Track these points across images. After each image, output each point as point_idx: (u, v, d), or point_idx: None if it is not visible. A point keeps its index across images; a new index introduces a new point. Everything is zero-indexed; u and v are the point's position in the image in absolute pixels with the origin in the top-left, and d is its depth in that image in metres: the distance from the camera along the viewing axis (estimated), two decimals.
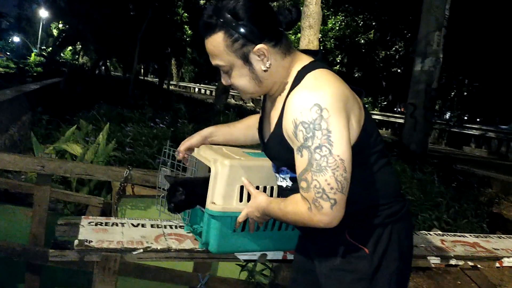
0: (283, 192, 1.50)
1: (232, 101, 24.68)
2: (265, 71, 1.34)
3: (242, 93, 1.42)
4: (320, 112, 1.22)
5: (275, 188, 1.74)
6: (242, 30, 1.28)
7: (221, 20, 1.29)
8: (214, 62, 1.36)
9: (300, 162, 1.26)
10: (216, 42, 1.31)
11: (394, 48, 20.11)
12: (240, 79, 1.36)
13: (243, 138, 1.85)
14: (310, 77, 1.31)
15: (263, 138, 1.52)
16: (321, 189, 1.22)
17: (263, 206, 1.47)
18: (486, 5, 13.93)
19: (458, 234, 2.55)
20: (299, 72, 1.35)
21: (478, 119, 21.41)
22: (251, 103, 25.82)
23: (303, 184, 1.26)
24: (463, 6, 12.10)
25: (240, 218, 1.58)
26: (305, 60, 1.38)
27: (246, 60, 1.32)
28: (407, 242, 1.45)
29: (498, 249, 2.30)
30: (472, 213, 4.89)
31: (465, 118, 20.63)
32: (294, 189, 1.39)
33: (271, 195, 1.70)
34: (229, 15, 1.28)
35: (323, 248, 1.45)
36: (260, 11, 1.32)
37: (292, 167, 1.34)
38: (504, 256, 2.23)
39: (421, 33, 8.19)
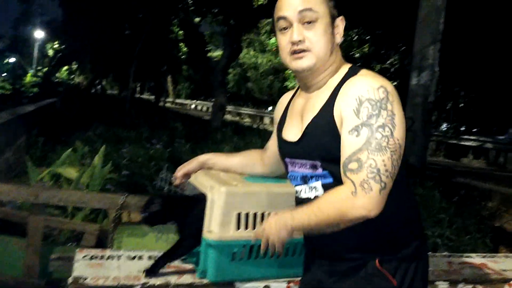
0: None
1: (229, 117, 24.70)
2: (338, 43, 1.36)
3: (311, 53, 1.32)
4: (386, 94, 1.22)
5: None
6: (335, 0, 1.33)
7: None
8: (307, 5, 1.29)
9: (354, 141, 1.20)
10: None
11: (389, 62, 20.21)
12: (323, 35, 1.31)
13: (240, 170, 1.81)
14: (366, 71, 1.32)
15: (285, 136, 1.45)
16: (376, 169, 1.17)
17: (285, 216, 1.30)
18: (480, 18, 14.05)
19: (465, 255, 2.49)
20: (350, 68, 1.36)
21: (474, 130, 21.44)
22: (248, 119, 25.84)
23: (352, 166, 1.20)
24: (458, 19, 12.20)
25: (254, 238, 1.44)
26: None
27: (333, 20, 1.33)
28: (427, 281, 1.41)
29: (507, 270, 2.24)
30: (475, 228, 4.83)
31: (462, 129, 20.68)
32: None
33: None
34: None
35: (349, 274, 1.35)
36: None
37: (329, 158, 1.28)
38: None
39: (416, 47, 8.21)
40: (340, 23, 1.35)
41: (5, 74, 46.12)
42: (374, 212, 1.18)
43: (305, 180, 1.38)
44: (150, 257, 1.87)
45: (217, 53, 30.82)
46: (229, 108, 25.21)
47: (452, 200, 5.64)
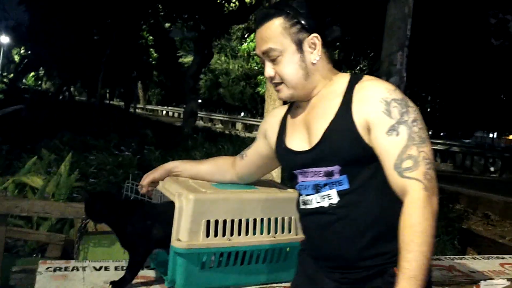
0: (321, 216, 1.34)
1: (201, 123, 24.59)
2: (313, 64, 1.36)
3: (285, 85, 1.37)
4: (402, 94, 1.28)
5: (248, 220, 1.66)
6: (300, 18, 1.34)
7: (283, 8, 1.35)
8: (266, 46, 1.35)
9: (397, 141, 1.22)
10: (274, 26, 1.34)
11: (358, 67, 20.52)
12: (289, 66, 1.35)
13: (209, 177, 1.79)
14: (371, 77, 1.35)
15: (292, 147, 1.42)
16: (429, 159, 1.22)
17: (420, 278, 1.12)
18: (445, 25, 14.43)
19: (434, 257, 2.52)
20: (352, 74, 1.38)
21: (441, 134, 21.97)
22: (220, 125, 25.78)
23: (408, 163, 1.20)
24: (424, 26, 12.50)
25: None
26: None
27: (299, 46, 1.34)
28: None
29: (475, 272, 2.28)
30: (443, 230, 4.92)
31: (430, 133, 21.15)
32: (342, 206, 1.30)
33: (244, 228, 1.65)
34: (289, 6, 1.35)
35: (365, 283, 1.32)
36: (317, 10, 1.38)
37: (349, 162, 1.28)
38: (481, 279, 2.20)
39: (385, 53, 8.35)
40: (314, 40, 1.35)
41: None
42: (438, 192, 1.22)
43: (317, 189, 1.34)
44: (116, 268, 1.82)
45: (188, 59, 30.65)
46: (201, 114, 25.13)
47: None
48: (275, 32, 1.33)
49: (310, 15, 1.35)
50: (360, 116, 1.26)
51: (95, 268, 1.79)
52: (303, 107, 1.43)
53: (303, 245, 1.50)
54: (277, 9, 1.36)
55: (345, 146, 1.27)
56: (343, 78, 1.37)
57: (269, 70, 1.37)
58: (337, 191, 1.30)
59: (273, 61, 1.36)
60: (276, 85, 1.39)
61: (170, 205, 1.64)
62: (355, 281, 1.33)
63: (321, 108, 1.35)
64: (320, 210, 1.33)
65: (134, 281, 1.67)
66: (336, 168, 1.29)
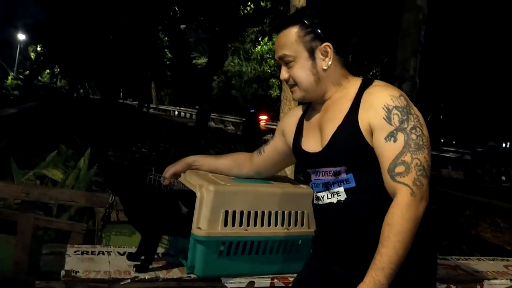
0: (331, 211, 1.45)
1: (213, 124, 24.70)
2: (324, 70, 1.47)
3: (298, 87, 1.50)
4: (406, 101, 1.37)
5: (263, 212, 1.77)
6: (315, 27, 1.45)
7: (299, 18, 1.47)
8: (281, 52, 1.48)
9: (393, 147, 1.32)
10: (290, 33, 1.46)
11: (371, 73, 20.51)
12: (301, 71, 1.48)
13: (227, 171, 1.90)
14: (380, 82, 1.46)
15: (307, 148, 1.53)
16: (422, 166, 1.31)
17: (387, 272, 1.27)
18: (460, 32, 14.39)
19: (440, 257, 2.60)
20: (363, 80, 1.48)
21: (454, 142, 21.85)
22: (232, 126, 25.87)
23: (400, 169, 1.31)
24: (438, 32, 12.49)
25: None
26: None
27: (311, 53, 1.46)
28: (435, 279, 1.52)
29: (479, 272, 2.35)
30: (452, 235, 4.96)
31: (442, 141, 21.04)
32: (349, 203, 1.41)
33: (260, 219, 1.76)
34: (306, 16, 1.47)
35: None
36: (332, 19, 1.50)
37: (354, 163, 1.39)
38: (484, 279, 2.28)
39: (398, 58, 8.40)
40: (326, 49, 1.45)
41: None
42: (428, 201, 1.32)
43: (327, 186, 1.46)
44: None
45: (202, 60, 30.82)
46: (213, 115, 25.23)
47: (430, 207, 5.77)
48: (290, 40, 1.46)
49: (325, 25, 1.46)
50: (364, 121, 1.38)
51: (119, 253, 1.91)
52: (318, 110, 1.55)
53: (316, 233, 1.60)
54: (295, 18, 1.48)
55: (350, 148, 1.39)
56: (355, 83, 1.48)
57: (283, 73, 1.51)
58: (345, 189, 1.42)
59: (288, 65, 1.49)
60: (291, 86, 1.53)
61: (183, 193, 1.78)
62: (362, 270, 1.40)
63: (332, 111, 1.47)
64: (330, 206, 1.45)
65: (155, 265, 1.79)
66: (343, 168, 1.41)
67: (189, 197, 1.75)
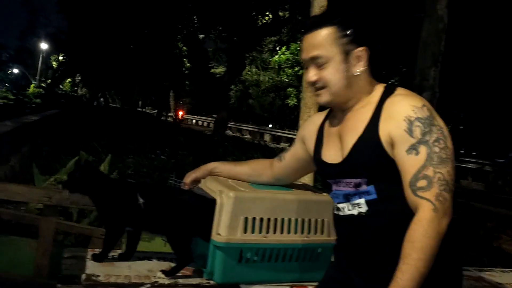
0: (352, 223, 1.42)
1: (229, 133, 24.79)
2: (356, 75, 1.41)
3: (327, 90, 1.42)
4: (430, 111, 1.31)
5: (283, 219, 1.76)
6: (352, 30, 1.39)
7: (335, 17, 1.40)
8: (313, 53, 1.40)
9: (415, 160, 1.28)
10: (326, 34, 1.39)
11: (390, 82, 20.39)
12: (333, 74, 1.40)
13: (246, 178, 1.89)
14: (402, 90, 1.41)
15: (327, 159, 1.49)
16: (445, 181, 1.26)
17: None
18: (480, 42, 14.24)
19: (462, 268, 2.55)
20: (386, 87, 1.44)
21: (474, 153, 21.50)
22: (249, 135, 25.92)
23: (421, 183, 1.26)
24: (458, 42, 12.38)
25: None
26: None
27: (346, 56, 1.39)
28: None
29: (502, 284, 2.30)
30: (473, 247, 4.87)
31: (461, 151, 20.74)
32: (370, 215, 1.37)
33: (280, 227, 1.75)
34: (343, 17, 1.41)
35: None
36: (369, 23, 1.45)
37: (375, 175, 1.35)
38: None
39: (418, 68, 8.34)
40: (361, 53, 1.40)
41: (8, 85, 46.38)
42: (451, 216, 1.27)
43: (347, 198, 1.43)
44: (159, 258, 1.94)
45: (219, 70, 31.03)
46: (230, 124, 25.33)
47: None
48: (325, 40, 1.39)
49: (362, 29, 1.41)
50: (385, 132, 1.33)
51: (139, 258, 1.92)
52: (338, 118, 1.51)
53: (337, 243, 1.58)
54: (330, 18, 1.41)
55: (371, 160, 1.35)
56: (378, 90, 1.44)
57: (311, 75, 1.43)
58: (366, 201, 1.38)
59: (319, 67, 1.41)
60: (317, 89, 1.44)
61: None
62: (383, 282, 1.37)
63: (353, 121, 1.43)
64: (351, 218, 1.42)
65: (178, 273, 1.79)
66: (363, 180, 1.38)
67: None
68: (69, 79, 34.11)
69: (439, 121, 1.32)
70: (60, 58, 32.40)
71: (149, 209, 1.77)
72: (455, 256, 1.41)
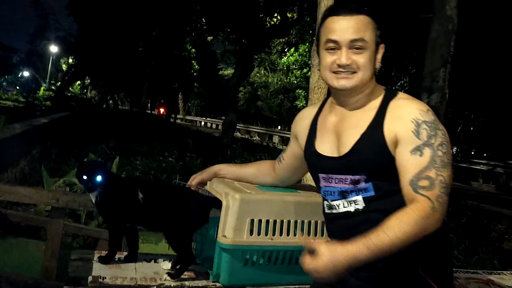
0: (349, 220, 1.43)
1: (238, 134, 24.82)
2: (376, 69, 1.45)
3: (357, 75, 1.41)
4: (434, 116, 1.36)
5: (289, 222, 1.75)
6: (380, 26, 1.44)
7: (370, 11, 1.44)
8: (359, 35, 1.39)
9: (419, 161, 1.31)
10: (367, 21, 1.41)
11: (399, 84, 20.29)
12: (368, 60, 1.41)
13: (252, 180, 1.90)
14: (405, 95, 1.44)
15: (322, 151, 1.50)
16: (446, 183, 1.30)
17: (346, 254, 1.25)
18: (491, 42, 14.12)
19: (471, 270, 2.53)
20: (387, 89, 1.47)
21: (485, 154, 21.30)
22: (257, 137, 25.92)
23: (423, 183, 1.29)
24: (468, 43, 12.28)
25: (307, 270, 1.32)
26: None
27: (377, 48, 1.43)
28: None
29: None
30: (483, 249, 4.83)
31: (472, 153, 20.54)
32: (368, 211, 1.39)
33: (286, 229, 1.74)
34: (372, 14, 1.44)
35: (390, 283, 1.41)
36: (385, 27, 1.48)
37: (375, 172, 1.37)
38: None
39: (427, 69, 8.28)
40: (381, 50, 1.45)
41: (18, 88, 46.87)
42: (444, 221, 1.31)
43: (343, 195, 1.44)
44: (164, 261, 1.94)
45: (228, 72, 31.09)
46: (239, 126, 25.37)
47: (460, 221, 5.64)
48: (368, 27, 1.41)
49: (383, 27, 1.46)
50: (391, 131, 1.35)
51: (145, 260, 1.92)
52: (335, 114, 1.51)
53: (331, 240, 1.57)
54: (367, 9, 1.44)
55: (373, 158, 1.37)
56: (379, 93, 1.46)
57: (346, 57, 1.39)
58: (363, 198, 1.40)
59: (356, 49, 1.39)
60: (347, 72, 1.41)
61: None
62: (381, 282, 1.41)
63: (354, 119, 1.44)
64: (347, 214, 1.43)
65: (184, 275, 1.79)
66: (363, 177, 1.39)
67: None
68: (78, 82, 34.38)
69: (442, 126, 1.36)
70: (70, 61, 32.65)
71: (148, 205, 1.78)
72: (449, 253, 1.48)
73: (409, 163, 1.31)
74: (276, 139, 25.18)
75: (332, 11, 1.45)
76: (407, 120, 1.33)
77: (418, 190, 1.29)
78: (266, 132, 27.14)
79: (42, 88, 37.96)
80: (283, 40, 22.69)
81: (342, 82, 1.42)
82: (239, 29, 15.39)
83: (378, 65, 1.44)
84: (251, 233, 1.70)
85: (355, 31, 1.39)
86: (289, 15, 16.13)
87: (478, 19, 12.67)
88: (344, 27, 1.40)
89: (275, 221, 1.75)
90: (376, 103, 1.43)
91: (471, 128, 22.12)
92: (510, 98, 16.69)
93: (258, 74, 32.51)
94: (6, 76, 49.38)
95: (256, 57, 21.34)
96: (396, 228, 1.24)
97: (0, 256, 2.87)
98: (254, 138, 25.30)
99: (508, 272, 2.62)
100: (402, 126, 1.34)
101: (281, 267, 1.78)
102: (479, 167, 15.57)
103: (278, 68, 31.40)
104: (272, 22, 16.57)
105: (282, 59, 28.93)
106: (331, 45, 1.42)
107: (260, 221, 1.72)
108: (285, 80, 31.22)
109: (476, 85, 16.23)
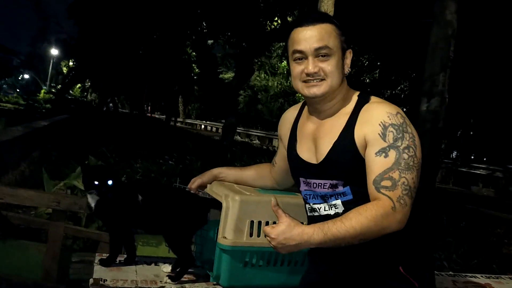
0: None
1: (238, 138, 24.82)
2: (345, 74, 1.48)
3: (326, 82, 1.44)
4: (403, 119, 1.38)
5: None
6: (343, 32, 1.48)
7: (332, 19, 1.49)
8: (323, 43, 1.43)
9: (384, 162, 1.34)
10: (330, 29, 1.45)
11: (399, 88, 20.32)
12: (335, 67, 1.45)
13: (251, 183, 1.91)
14: (376, 98, 1.47)
15: (303, 156, 1.54)
16: (409, 186, 1.32)
17: (304, 232, 1.34)
18: (490, 47, 14.16)
19: (470, 274, 2.53)
20: (360, 95, 1.50)
21: (484, 158, 21.32)
22: (257, 141, 25.94)
23: (386, 183, 1.32)
24: (468, 48, 12.32)
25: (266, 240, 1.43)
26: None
27: (343, 54, 1.47)
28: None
29: None
30: (482, 253, 4.83)
31: (472, 157, 20.58)
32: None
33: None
34: (334, 20, 1.49)
35: (373, 281, 1.45)
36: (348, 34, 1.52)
37: (351, 177, 1.41)
38: None
39: (427, 73, 8.31)
40: (349, 55, 1.49)
41: (19, 90, 46.91)
42: (405, 224, 1.33)
43: (324, 199, 1.49)
44: (165, 263, 1.95)
45: (228, 75, 31.14)
46: (239, 129, 25.37)
47: (459, 225, 5.65)
48: (331, 34, 1.44)
49: (347, 33, 1.49)
50: (360, 136, 1.40)
51: (146, 263, 1.93)
52: (313, 122, 1.55)
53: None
54: (328, 18, 1.48)
55: (347, 163, 1.42)
56: (352, 98, 1.50)
57: (313, 66, 1.44)
58: (342, 201, 1.45)
59: (322, 57, 1.43)
60: (316, 80, 1.45)
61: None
62: (364, 280, 1.46)
63: (328, 126, 1.49)
64: (327, 218, 1.45)
65: (184, 278, 1.80)
66: (340, 181, 1.44)
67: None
68: (79, 85, 34.44)
69: (412, 129, 1.38)
70: (70, 63, 32.70)
71: (147, 207, 1.79)
72: (430, 252, 1.56)
73: (374, 163, 1.35)
74: (276, 142, 25.16)
75: (296, 23, 1.49)
76: (375, 123, 1.37)
77: (380, 189, 1.33)
78: (266, 135, 27.14)
79: (42, 91, 37.98)
80: (283, 43, 22.71)
81: (312, 90, 1.46)
82: (239, 32, 15.43)
83: (347, 70, 1.48)
84: (251, 234, 1.71)
85: (319, 39, 1.43)
86: (289, 19, 16.15)
87: (478, 24, 12.71)
88: (308, 37, 1.44)
89: (274, 223, 1.75)
90: (349, 108, 1.47)
91: (471, 133, 22.16)
92: (509, 103, 16.73)
93: (258, 78, 32.56)
94: (6, 79, 49.43)
95: (256, 60, 21.38)
96: (354, 219, 1.31)
97: (0, 259, 2.88)
98: (254, 142, 25.32)
99: (507, 276, 2.63)
100: (369, 129, 1.38)
101: (281, 268, 1.79)
102: (478, 172, 15.57)
103: (278, 71, 31.45)
104: (273, 26, 16.61)
105: (282, 63, 28.98)
106: (298, 55, 1.46)
107: (260, 222, 1.73)
108: (285, 84, 31.26)
109: (476, 89, 16.27)
